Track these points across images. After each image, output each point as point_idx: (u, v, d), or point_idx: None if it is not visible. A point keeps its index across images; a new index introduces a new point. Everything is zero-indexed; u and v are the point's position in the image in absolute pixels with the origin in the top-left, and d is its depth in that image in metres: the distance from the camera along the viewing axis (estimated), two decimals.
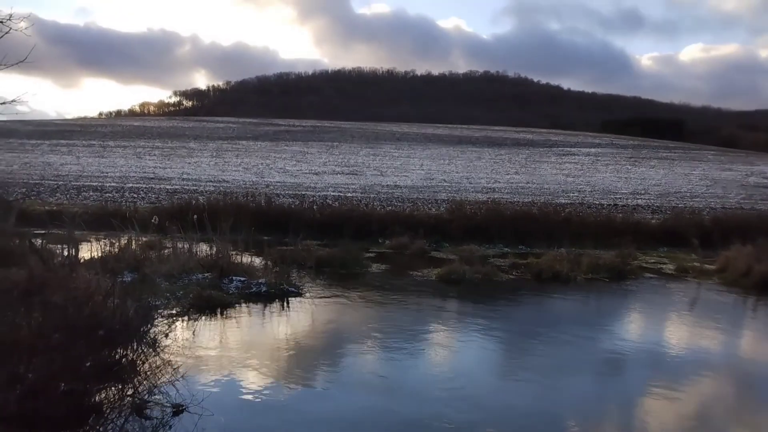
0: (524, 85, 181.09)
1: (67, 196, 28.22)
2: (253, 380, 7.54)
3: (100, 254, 12.61)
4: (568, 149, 63.26)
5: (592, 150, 63.24)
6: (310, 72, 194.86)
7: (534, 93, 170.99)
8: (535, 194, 32.43)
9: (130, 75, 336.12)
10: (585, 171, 46.55)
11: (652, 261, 18.50)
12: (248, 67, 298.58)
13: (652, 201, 32.01)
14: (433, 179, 38.69)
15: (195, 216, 15.21)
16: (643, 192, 35.81)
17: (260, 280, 12.39)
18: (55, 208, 22.48)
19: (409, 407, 6.81)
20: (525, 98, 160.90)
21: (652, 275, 16.20)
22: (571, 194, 33.33)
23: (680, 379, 8.08)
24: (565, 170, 46.65)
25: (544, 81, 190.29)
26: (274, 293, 11.95)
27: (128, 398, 6.27)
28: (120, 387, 6.50)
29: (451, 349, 9.28)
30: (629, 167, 50.02)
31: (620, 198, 32.73)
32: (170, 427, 5.62)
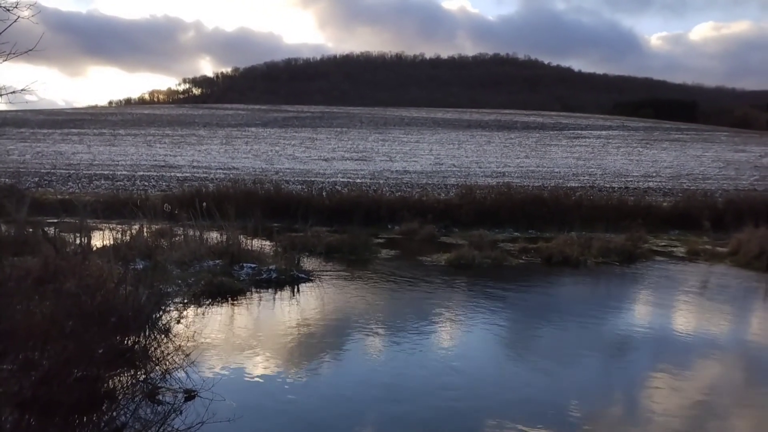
0: (535, 68, 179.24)
1: (79, 184, 28.46)
2: (263, 365, 7.62)
3: (112, 242, 12.72)
4: (579, 132, 62.73)
5: (603, 132, 62.67)
6: (318, 57, 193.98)
7: (545, 75, 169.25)
8: (546, 178, 32.26)
9: (136, 62, 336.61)
10: (596, 154, 46.17)
11: (663, 244, 18.39)
12: (253, 52, 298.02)
13: (664, 183, 31.74)
14: (442, 164, 38.57)
15: (205, 203, 15.29)
16: (654, 174, 35.50)
17: (270, 267, 12.46)
18: (67, 196, 22.69)
19: (415, 392, 6.85)
20: (535, 81, 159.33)
21: (663, 258, 16.11)
22: (582, 177, 33.11)
23: (689, 363, 8.08)
24: (575, 153, 46.30)
25: (554, 63, 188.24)
26: (284, 279, 12.02)
27: (141, 384, 6.37)
28: (132, 373, 6.60)
29: (460, 334, 9.31)
30: (641, 149, 49.54)
31: (631, 181, 32.48)
32: (182, 411, 5.69)
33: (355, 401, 6.65)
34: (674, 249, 17.59)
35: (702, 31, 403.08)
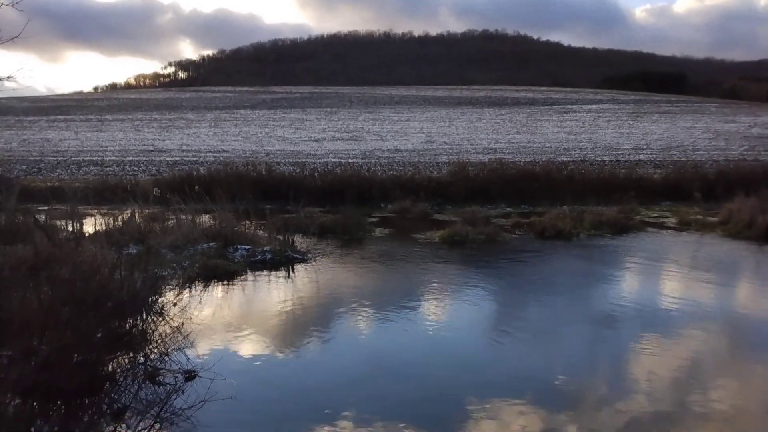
0: (524, 43, 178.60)
1: (68, 171, 28.25)
2: (261, 344, 7.68)
3: (104, 228, 12.69)
4: (569, 107, 62.69)
5: (594, 106, 62.66)
6: (305, 38, 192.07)
7: (534, 50, 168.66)
8: (537, 153, 32.30)
9: (115, 47, 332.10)
10: (587, 128, 46.21)
11: (655, 215, 18.53)
12: (233, 34, 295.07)
13: (655, 156, 31.87)
14: (433, 142, 38.49)
15: (196, 187, 15.23)
16: (645, 147, 35.62)
17: (265, 248, 12.47)
18: (56, 183, 22.53)
19: (408, 367, 6.94)
20: (525, 56, 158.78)
21: (654, 229, 16.25)
22: (573, 152, 33.18)
23: (678, 332, 8.13)
24: (566, 128, 46.32)
25: (543, 38, 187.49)
26: (279, 260, 12.04)
27: (141, 366, 6.41)
28: (132, 356, 6.64)
29: (452, 309, 9.38)
30: (631, 122, 49.63)
31: (622, 154, 32.58)
32: (183, 391, 5.74)
33: (350, 376, 6.72)
34: (666, 220, 17.74)
35: (685, 2, 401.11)
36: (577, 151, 33.33)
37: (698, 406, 5.96)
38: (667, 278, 11.42)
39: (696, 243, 14.86)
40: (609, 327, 8.41)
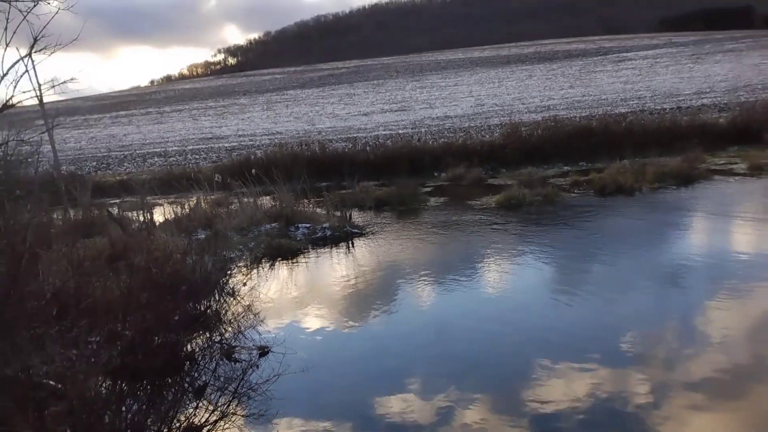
0: None
1: (134, 164, 29.48)
2: (327, 318, 7.96)
3: (172, 216, 13.28)
4: (624, 54, 60.01)
5: (650, 52, 59.74)
6: (347, 11, 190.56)
7: None
8: (593, 107, 31.23)
9: (165, 39, 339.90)
10: (644, 76, 44.22)
11: (722, 162, 17.68)
12: (276, 14, 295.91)
13: (719, 99, 30.21)
14: (483, 105, 37.83)
15: (254, 170, 15.66)
16: (708, 90, 33.80)
17: (324, 225, 12.77)
18: (125, 177, 23.59)
19: (469, 333, 7.04)
20: (575, 4, 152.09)
21: (722, 177, 15.54)
22: (631, 102, 31.89)
23: (750, 289, 7.74)
24: (622, 77, 44.47)
25: None
26: (338, 236, 12.32)
27: (217, 345, 6.79)
28: (208, 335, 7.04)
29: (511, 275, 9.36)
30: (691, 66, 47.11)
31: (683, 100, 31.06)
32: (258, 367, 6.06)
33: (415, 344, 6.89)
34: (734, 166, 16.90)
35: None
36: (635, 101, 32.01)
37: None
38: (735, 229, 10.94)
39: None
40: (676, 284, 8.20)
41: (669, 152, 18.05)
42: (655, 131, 20.91)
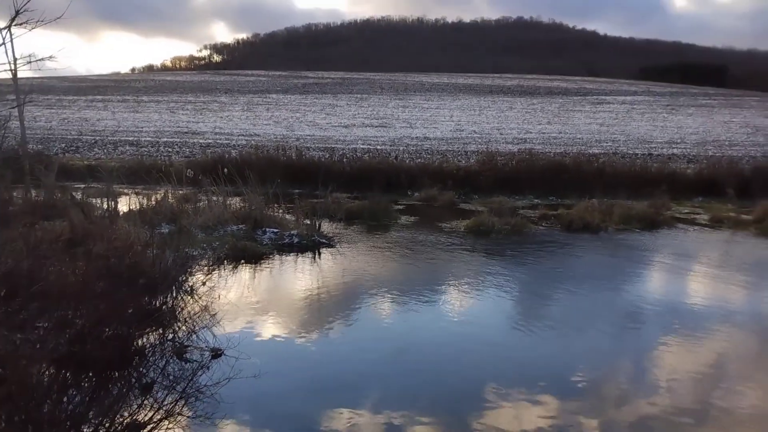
0: (559, 32, 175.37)
1: (105, 151, 28.92)
2: (285, 325, 7.86)
3: (138, 207, 13.02)
4: (603, 97, 61.54)
5: (628, 98, 61.40)
6: (338, 22, 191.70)
7: (569, 39, 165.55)
8: (568, 144, 31.90)
9: (151, 28, 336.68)
10: (620, 120, 45.37)
11: (687, 211, 18.21)
12: (266, 17, 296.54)
13: (689, 150, 31.19)
14: (463, 130, 38.28)
15: (227, 170, 15.50)
16: (679, 141, 34.87)
17: (292, 232, 12.67)
18: (93, 162, 23.13)
19: (427, 354, 7.05)
20: (560, 45, 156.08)
21: (685, 225, 15.99)
22: (605, 144, 32.68)
23: (703, 334, 7.95)
24: (599, 119, 45.55)
25: (579, 26, 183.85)
26: (306, 244, 12.24)
27: (169, 342, 6.64)
28: (161, 332, 6.88)
29: (474, 299, 9.43)
30: (666, 115, 48.55)
31: (655, 147, 31.98)
32: (209, 368, 5.94)
33: (371, 360, 6.86)
34: (697, 216, 17.42)
35: None
36: (609, 144, 32.81)
37: (719, 407, 5.93)
38: (694, 277, 11.25)
39: (727, 241, 14.58)
40: (632, 324, 8.36)
41: (637, 196, 18.52)
42: (626, 174, 21.47)
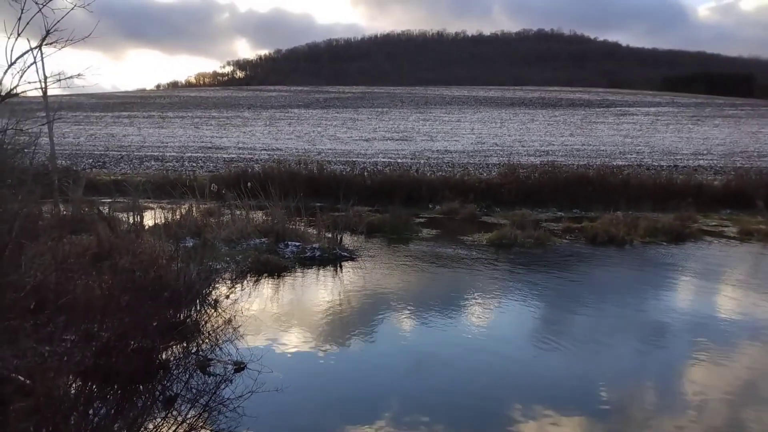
0: (581, 43, 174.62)
1: (131, 165, 29.42)
2: (307, 339, 7.86)
3: (163, 221, 13.20)
4: (626, 109, 60.96)
5: (652, 109, 60.72)
6: (359, 37, 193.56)
7: (591, 51, 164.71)
8: (591, 156, 31.59)
9: (175, 45, 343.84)
10: (644, 131, 44.86)
11: (714, 224, 17.86)
12: (287, 34, 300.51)
13: (715, 162, 30.66)
14: (484, 143, 38.19)
15: (250, 184, 15.65)
16: (705, 152, 34.31)
17: (314, 245, 12.72)
18: (119, 177, 23.51)
19: (447, 369, 6.99)
20: (581, 56, 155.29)
21: (712, 239, 15.66)
22: (629, 156, 32.29)
23: (731, 351, 7.76)
24: (622, 131, 45.10)
25: (601, 38, 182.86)
26: (327, 258, 12.26)
27: (192, 356, 6.67)
28: (185, 345, 6.92)
29: (496, 314, 9.33)
30: (691, 126, 47.88)
31: (681, 159, 31.51)
32: (232, 382, 5.94)
33: (392, 374, 6.83)
34: (725, 229, 17.06)
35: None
36: (634, 155, 32.41)
37: (749, 424, 5.76)
38: (723, 292, 10.99)
39: (757, 255, 14.25)
40: (658, 340, 8.18)
41: (662, 209, 18.23)
42: (651, 186, 21.15)
